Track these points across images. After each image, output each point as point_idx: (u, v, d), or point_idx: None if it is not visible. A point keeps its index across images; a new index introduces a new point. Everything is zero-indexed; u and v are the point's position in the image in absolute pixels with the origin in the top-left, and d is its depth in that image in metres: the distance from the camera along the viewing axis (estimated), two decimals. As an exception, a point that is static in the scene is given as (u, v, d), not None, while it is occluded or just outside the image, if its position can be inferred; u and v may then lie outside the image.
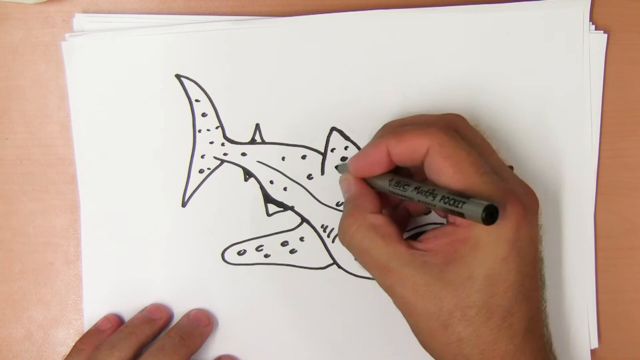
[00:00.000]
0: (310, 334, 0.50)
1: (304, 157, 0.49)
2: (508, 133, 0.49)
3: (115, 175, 0.49)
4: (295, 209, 0.50)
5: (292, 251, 0.50)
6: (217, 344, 0.50)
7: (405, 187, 0.42)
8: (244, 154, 0.49)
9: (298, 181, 0.49)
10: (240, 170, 0.49)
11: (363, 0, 0.49)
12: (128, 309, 0.50)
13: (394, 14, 0.48)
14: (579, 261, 0.49)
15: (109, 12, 0.50)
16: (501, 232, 0.39)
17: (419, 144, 0.41)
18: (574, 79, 0.49)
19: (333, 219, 0.49)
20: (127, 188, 0.49)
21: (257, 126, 0.49)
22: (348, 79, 0.49)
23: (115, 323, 0.49)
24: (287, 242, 0.50)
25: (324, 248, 0.49)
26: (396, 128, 0.44)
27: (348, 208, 0.44)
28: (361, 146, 0.49)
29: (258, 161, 0.49)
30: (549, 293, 0.49)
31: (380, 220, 0.42)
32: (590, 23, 0.49)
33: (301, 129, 0.49)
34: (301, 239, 0.50)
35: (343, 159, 0.49)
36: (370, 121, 0.48)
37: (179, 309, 0.50)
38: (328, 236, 0.49)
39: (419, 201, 0.41)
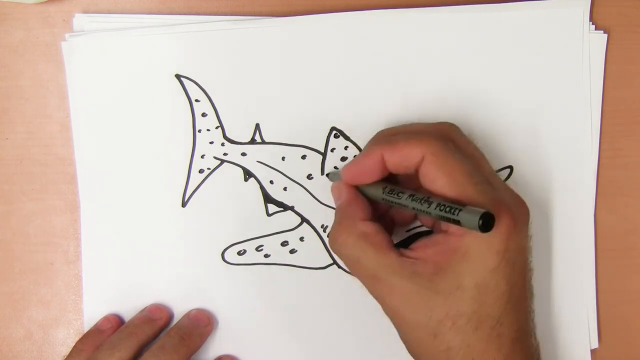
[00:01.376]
0: (310, 333, 0.50)
1: (304, 157, 0.49)
2: (508, 133, 0.49)
3: (115, 175, 0.49)
4: (295, 209, 0.50)
5: (292, 251, 0.50)
6: (217, 344, 0.50)
7: (400, 194, 0.42)
8: (244, 154, 0.49)
9: (298, 181, 0.49)
10: (240, 170, 0.49)
11: (363, 1, 0.49)
12: (128, 309, 0.50)
13: (394, 14, 0.48)
14: (579, 261, 0.49)
15: (109, 12, 0.50)
16: (491, 242, 0.40)
17: (414, 152, 0.41)
18: (574, 79, 0.49)
19: (333, 219, 0.49)
20: (127, 188, 0.49)
21: (257, 126, 0.49)
22: (348, 79, 0.49)
23: (116, 323, 0.49)
24: (287, 242, 0.50)
25: (324, 248, 0.49)
26: (390, 136, 0.44)
27: (339, 216, 0.44)
28: (361, 146, 0.49)
29: (258, 161, 0.49)
30: (549, 293, 0.49)
31: (370, 228, 0.42)
32: (590, 23, 0.49)
33: (301, 129, 0.49)
34: (301, 239, 0.50)
35: (343, 159, 0.49)
36: (370, 121, 0.49)
37: (179, 309, 0.50)
38: (328, 236, 0.49)
39: (413, 208, 0.41)
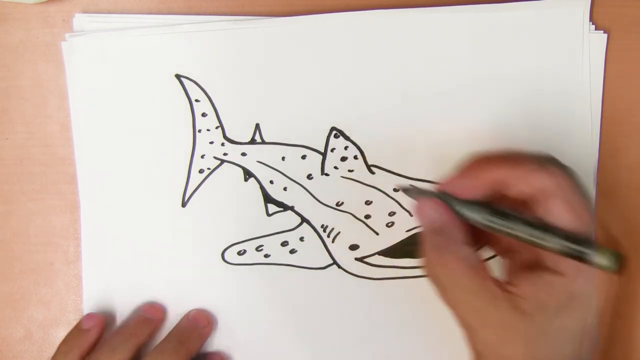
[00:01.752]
0: (309, 333, 0.50)
1: (304, 157, 0.49)
2: (508, 133, 0.49)
3: (115, 175, 0.49)
4: (295, 209, 0.50)
5: (292, 251, 0.50)
6: (216, 344, 0.50)
7: (511, 220, 0.39)
8: (243, 154, 0.49)
9: (298, 181, 0.49)
10: (240, 170, 0.50)
11: (363, 1, 0.49)
12: (128, 309, 0.50)
13: (394, 14, 0.48)
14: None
15: (109, 12, 0.50)
16: (600, 285, 0.40)
17: (544, 182, 0.39)
18: (574, 79, 0.49)
19: (333, 219, 0.49)
20: (127, 188, 0.49)
21: (257, 126, 0.49)
22: (348, 79, 0.49)
23: (99, 321, 0.48)
24: (287, 242, 0.50)
25: (323, 248, 0.49)
26: (513, 157, 0.41)
27: (439, 240, 0.40)
28: (361, 146, 0.49)
29: (258, 161, 0.49)
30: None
31: (473, 254, 0.40)
32: (590, 23, 0.49)
33: (301, 128, 0.49)
34: (301, 239, 0.50)
35: (343, 159, 0.49)
36: (371, 121, 0.49)
37: (179, 309, 0.50)
38: (328, 236, 0.49)
39: (526, 239, 0.39)
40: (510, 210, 0.40)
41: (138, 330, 0.48)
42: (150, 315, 0.49)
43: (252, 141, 0.49)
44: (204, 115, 0.49)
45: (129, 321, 0.49)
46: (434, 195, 0.41)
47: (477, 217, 0.40)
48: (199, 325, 0.49)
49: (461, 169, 0.41)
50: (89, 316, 0.49)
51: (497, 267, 0.43)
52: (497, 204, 0.40)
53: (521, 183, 0.39)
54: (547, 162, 0.40)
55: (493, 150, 0.42)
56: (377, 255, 0.49)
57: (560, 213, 0.38)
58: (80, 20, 0.49)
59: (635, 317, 0.50)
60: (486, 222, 0.40)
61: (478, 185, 0.40)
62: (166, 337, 0.48)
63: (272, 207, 0.50)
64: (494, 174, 0.40)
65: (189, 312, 0.49)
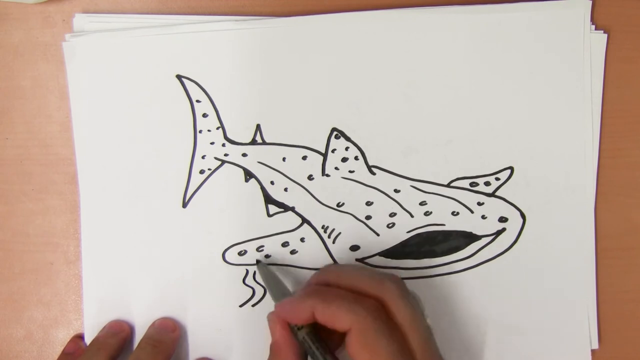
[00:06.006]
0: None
1: (304, 157, 0.49)
2: (508, 133, 0.49)
3: (116, 176, 0.49)
4: (296, 209, 0.49)
5: (293, 252, 0.50)
6: (217, 344, 0.50)
7: (316, 349, 0.42)
8: (244, 155, 0.49)
9: (299, 182, 0.49)
10: (241, 170, 0.49)
11: (363, 1, 0.49)
12: (128, 309, 0.50)
13: (394, 14, 0.49)
14: (579, 261, 0.49)
15: (109, 12, 0.50)
16: None
17: (343, 320, 0.41)
18: (574, 79, 0.49)
19: (334, 220, 0.49)
20: (127, 188, 0.49)
21: (258, 127, 0.49)
22: (349, 80, 0.49)
23: (82, 345, 0.50)
24: (287, 242, 0.50)
25: (324, 249, 0.50)
26: (325, 292, 0.43)
27: (271, 356, 0.44)
28: (362, 147, 0.49)
29: (259, 162, 0.49)
30: (549, 293, 0.49)
31: None
32: (590, 23, 0.49)
33: (302, 129, 0.49)
34: (302, 239, 0.50)
35: (344, 159, 0.49)
36: (372, 122, 0.49)
37: (180, 310, 0.50)
38: (329, 237, 0.49)
39: None
40: (321, 342, 0.42)
41: (106, 343, 0.48)
42: (115, 330, 0.49)
43: (253, 142, 0.49)
44: (204, 115, 0.49)
45: (97, 337, 0.49)
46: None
47: (297, 335, 0.43)
48: (167, 330, 0.49)
49: (300, 292, 0.44)
50: (73, 341, 0.50)
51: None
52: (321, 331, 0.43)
53: (328, 322, 0.41)
54: (352, 302, 0.41)
55: (329, 271, 0.45)
56: (377, 256, 0.49)
57: (356, 354, 0.40)
58: (80, 20, 0.49)
59: (635, 315, 0.50)
60: (301, 341, 0.43)
61: (301, 313, 0.43)
62: (138, 347, 0.48)
63: (272, 208, 0.50)
64: (309, 306, 0.42)
65: (154, 321, 0.49)
